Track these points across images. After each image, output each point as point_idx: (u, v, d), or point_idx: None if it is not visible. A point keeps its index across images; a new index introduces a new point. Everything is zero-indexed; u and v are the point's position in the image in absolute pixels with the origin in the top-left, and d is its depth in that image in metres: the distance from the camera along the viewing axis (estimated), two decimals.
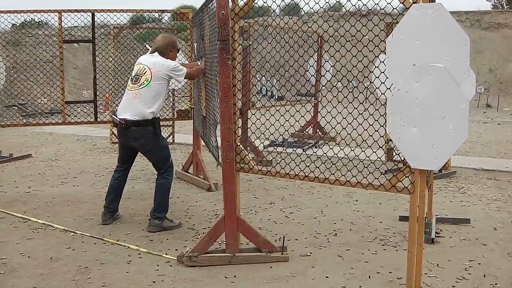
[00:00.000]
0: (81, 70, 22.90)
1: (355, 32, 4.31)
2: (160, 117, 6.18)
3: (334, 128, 4.70)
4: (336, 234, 5.78)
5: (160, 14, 29.99)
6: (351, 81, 4.80)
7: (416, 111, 3.89)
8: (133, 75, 5.87)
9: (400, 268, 4.79)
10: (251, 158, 4.87)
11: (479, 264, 4.97)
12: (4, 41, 15.79)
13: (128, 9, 7.75)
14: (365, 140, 4.42)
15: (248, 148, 8.98)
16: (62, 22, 7.63)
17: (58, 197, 7.28)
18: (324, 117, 5.00)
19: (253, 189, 7.78)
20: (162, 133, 6.12)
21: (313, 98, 12.35)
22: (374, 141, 4.40)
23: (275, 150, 5.76)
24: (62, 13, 7.55)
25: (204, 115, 6.24)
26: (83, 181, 8.37)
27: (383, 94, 4.16)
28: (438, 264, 4.91)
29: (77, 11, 7.67)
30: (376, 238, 5.65)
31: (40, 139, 13.20)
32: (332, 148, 4.68)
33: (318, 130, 12.44)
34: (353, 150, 4.62)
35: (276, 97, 18.26)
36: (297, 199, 7.25)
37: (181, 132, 13.08)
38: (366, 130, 4.22)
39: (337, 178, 4.40)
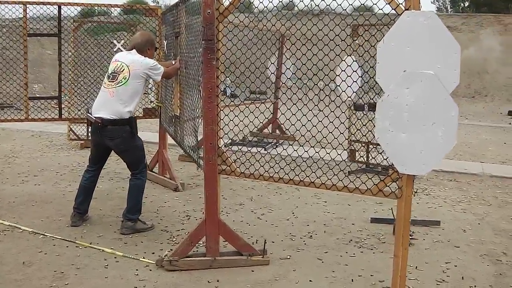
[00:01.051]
0: (31, 63, 22.22)
1: (317, 31, 4.34)
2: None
3: (293, 125, 4.65)
4: (311, 236, 5.77)
5: (109, 8, 29.42)
6: (311, 79, 4.80)
7: (405, 117, 3.90)
8: (109, 72, 5.70)
9: (380, 271, 4.83)
10: (233, 161, 4.81)
11: (455, 266, 5.04)
12: None
13: (95, 3, 7.57)
14: (330, 142, 4.47)
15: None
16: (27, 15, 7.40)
17: (20, 197, 7.04)
18: (283, 113, 4.93)
19: (222, 189, 7.65)
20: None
21: (272, 96, 12.36)
22: (339, 144, 4.47)
23: (239, 149, 5.67)
24: (27, 5, 7.31)
25: (177, 114, 6.14)
26: (44, 179, 8.12)
27: (349, 97, 4.26)
28: (416, 267, 4.96)
29: (43, 3, 7.45)
30: (351, 240, 5.67)
31: None
32: (296, 150, 4.70)
33: (277, 129, 12.42)
34: (317, 152, 4.56)
35: (229, 95, 18.13)
36: (266, 200, 7.22)
37: (141, 130, 12.86)
38: (331, 132, 4.26)
39: (323, 182, 4.38)
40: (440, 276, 4.80)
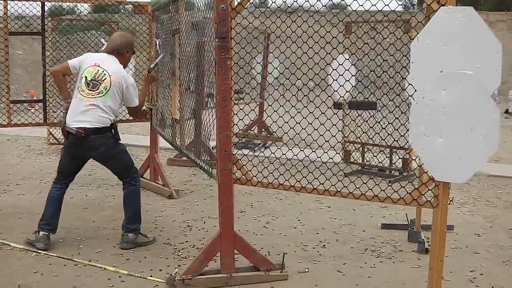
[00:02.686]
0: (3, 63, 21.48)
1: (307, 29, 4.12)
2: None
3: (281, 127, 4.46)
4: (324, 245, 5.45)
5: (79, 5, 28.76)
6: (299, 79, 4.57)
7: (442, 120, 3.61)
8: (89, 79, 5.18)
9: (406, 282, 4.58)
10: (249, 169, 4.47)
11: (481, 274, 4.80)
12: None
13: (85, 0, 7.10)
14: (319, 145, 4.33)
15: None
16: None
17: (5, 209, 6.56)
18: (269, 115, 4.70)
19: (216, 195, 7.19)
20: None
21: (258, 96, 12.03)
22: (333, 145, 4.30)
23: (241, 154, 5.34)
24: (8, 2, 6.84)
25: (176, 117, 5.77)
26: (28, 188, 7.65)
27: (338, 93, 4.07)
28: (442, 277, 4.69)
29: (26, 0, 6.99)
30: (367, 249, 5.37)
31: None
32: (296, 153, 4.39)
33: (263, 130, 12.09)
34: (314, 151, 4.36)
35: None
36: (268, 206, 6.88)
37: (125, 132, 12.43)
38: (322, 135, 4.11)
39: (351, 192, 4.10)
40: (469, 286, 4.56)
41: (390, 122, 4.39)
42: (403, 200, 3.92)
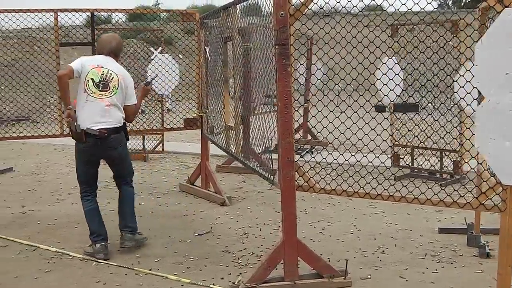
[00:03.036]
0: (43, 74, 21.85)
1: (356, 33, 4.14)
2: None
3: (331, 133, 4.40)
4: (383, 251, 5.39)
5: (113, 14, 29.06)
6: (349, 84, 4.55)
7: (509, 123, 3.56)
8: (97, 80, 5.25)
9: None
10: (311, 176, 4.47)
11: None
12: None
13: (130, 9, 7.21)
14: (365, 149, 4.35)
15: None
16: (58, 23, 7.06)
17: (60, 218, 6.64)
18: (318, 120, 4.58)
19: (269, 202, 7.33)
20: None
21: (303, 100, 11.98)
22: (383, 149, 4.32)
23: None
24: (59, 13, 6.95)
25: (231, 125, 5.80)
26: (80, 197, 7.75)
27: (388, 97, 4.06)
28: None
29: (75, 10, 7.07)
30: (426, 254, 5.29)
31: (14, 149, 12.25)
32: (342, 155, 4.41)
33: (308, 135, 12.01)
34: (365, 156, 4.43)
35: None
36: (321, 212, 6.85)
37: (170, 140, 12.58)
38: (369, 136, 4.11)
39: (404, 196, 4.05)
40: None
41: (442, 125, 4.34)
42: (469, 205, 3.86)
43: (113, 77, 5.31)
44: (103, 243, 5.35)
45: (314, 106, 4.65)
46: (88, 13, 7.27)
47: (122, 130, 5.39)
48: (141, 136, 10.81)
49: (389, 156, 8.71)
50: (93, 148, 5.29)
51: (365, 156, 4.54)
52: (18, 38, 16.57)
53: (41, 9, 7.00)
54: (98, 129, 5.19)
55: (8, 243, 5.77)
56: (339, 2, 4.19)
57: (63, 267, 5.10)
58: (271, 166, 4.79)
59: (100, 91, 5.25)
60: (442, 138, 6.71)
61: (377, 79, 4.68)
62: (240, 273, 4.77)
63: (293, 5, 4.24)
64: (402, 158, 8.78)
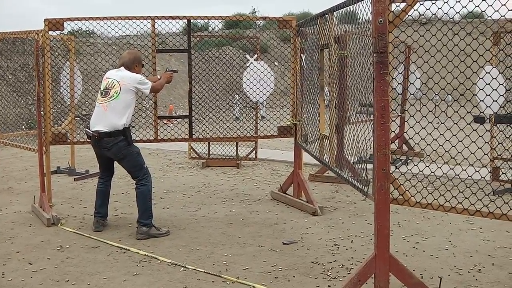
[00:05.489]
0: None
1: (458, 41, 4.06)
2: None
3: (429, 144, 4.31)
4: (480, 270, 5.09)
5: (210, 21, 29.59)
6: (450, 94, 4.27)
7: None
8: (102, 89, 6.19)
9: None
10: (406, 189, 4.26)
11: None
12: (65, 49, 15.43)
13: (227, 16, 7.22)
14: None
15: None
16: (156, 30, 7.20)
17: None
18: (418, 133, 4.42)
19: (362, 213, 7.13)
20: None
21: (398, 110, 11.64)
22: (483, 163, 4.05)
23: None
24: (156, 20, 7.11)
25: (326, 134, 5.66)
26: (172, 202, 7.84)
27: (491, 108, 3.86)
28: None
29: (172, 17, 7.20)
30: None
31: None
32: (440, 167, 4.25)
33: (404, 145, 11.65)
34: (465, 170, 4.23)
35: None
36: (415, 226, 6.58)
37: (264, 147, 12.59)
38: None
39: (504, 213, 3.80)
40: None
41: None
42: None
43: (114, 84, 6.11)
44: (98, 218, 6.47)
45: (412, 116, 4.48)
46: (185, 21, 7.40)
47: (118, 134, 6.04)
48: (235, 143, 10.88)
49: (490, 170, 8.29)
50: (94, 146, 6.29)
51: (465, 170, 4.30)
52: (117, 45, 17.12)
53: (139, 17, 7.16)
54: (93, 131, 6.10)
55: (99, 244, 5.91)
56: (440, 9, 3.99)
57: (151, 271, 5.14)
58: (366, 176, 4.61)
59: (102, 97, 6.15)
60: None
61: (480, 89, 4.44)
62: (329, 286, 4.64)
63: (393, 11, 4.08)
64: (504, 173, 8.32)
